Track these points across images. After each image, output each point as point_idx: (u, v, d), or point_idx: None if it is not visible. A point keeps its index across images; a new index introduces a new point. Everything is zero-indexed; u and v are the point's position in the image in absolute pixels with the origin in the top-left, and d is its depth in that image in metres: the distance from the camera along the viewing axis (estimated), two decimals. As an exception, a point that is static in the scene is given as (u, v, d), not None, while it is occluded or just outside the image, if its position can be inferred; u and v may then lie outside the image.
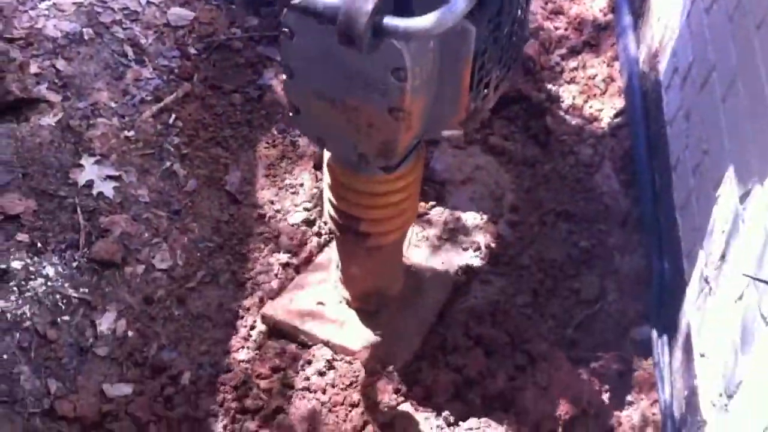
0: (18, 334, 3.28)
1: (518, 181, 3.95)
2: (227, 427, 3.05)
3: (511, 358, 3.16)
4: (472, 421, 2.93)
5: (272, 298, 3.32)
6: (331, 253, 3.29)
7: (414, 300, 3.12)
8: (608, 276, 3.50)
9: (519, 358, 3.16)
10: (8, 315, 3.28)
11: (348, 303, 3.05)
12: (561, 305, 3.46)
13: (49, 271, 3.46)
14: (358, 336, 2.98)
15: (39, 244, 3.50)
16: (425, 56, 2.08)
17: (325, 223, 3.44)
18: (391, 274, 2.99)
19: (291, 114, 2.38)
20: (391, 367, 2.92)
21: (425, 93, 2.14)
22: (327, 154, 2.64)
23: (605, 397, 3.13)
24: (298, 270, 3.41)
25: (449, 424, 2.93)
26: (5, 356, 3.22)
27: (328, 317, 3.04)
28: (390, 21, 1.89)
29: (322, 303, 3.08)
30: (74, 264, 3.52)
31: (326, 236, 3.47)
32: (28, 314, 3.32)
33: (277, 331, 3.10)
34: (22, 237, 3.50)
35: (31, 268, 3.43)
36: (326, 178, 2.66)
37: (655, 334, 3.20)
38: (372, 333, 2.99)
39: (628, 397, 3.15)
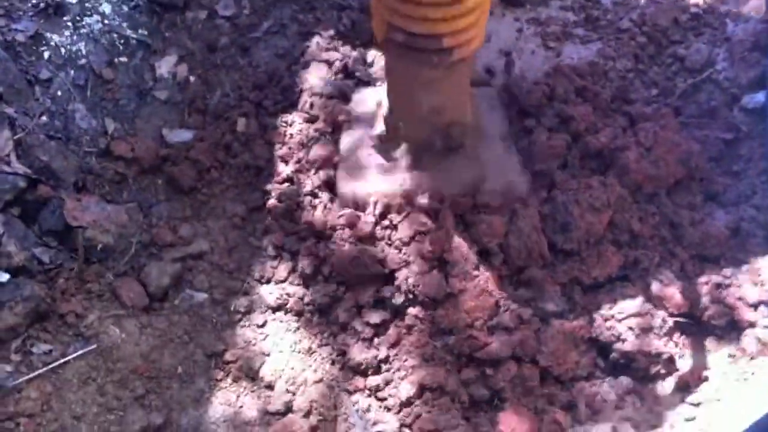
0: (72, 72, 3.06)
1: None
2: (288, 170, 2.83)
3: (612, 119, 2.85)
4: (572, 182, 2.66)
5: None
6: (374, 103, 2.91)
7: (485, 118, 2.85)
8: (719, 43, 3.13)
9: (621, 121, 2.85)
10: (62, 50, 3.05)
11: (425, 149, 2.69)
12: (664, 73, 3.12)
13: (106, 8, 3.20)
14: (460, 178, 2.65)
15: (95, -21, 3.22)
16: None
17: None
18: (466, 97, 2.64)
19: None
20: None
21: None
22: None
23: (711, 165, 2.82)
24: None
25: (548, 188, 2.70)
26: (59, 92, 3.00)
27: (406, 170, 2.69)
28: None
29: (394, 159, 2.71)
30: (132, 3, 3.24)
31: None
32: (84, 51, 3.09)
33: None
34: (76, -30, 3.21)
35: (87, 4, 3.17)
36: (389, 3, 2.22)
37: (770, 99, 2.86)
38: (477, 169, 2.68)
39: (735, 167, 2.84)
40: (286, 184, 2.80)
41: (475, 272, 2.55)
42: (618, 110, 2.90)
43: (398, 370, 2.51)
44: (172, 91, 3.13)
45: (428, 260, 2.54)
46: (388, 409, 2.51)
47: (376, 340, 2.58)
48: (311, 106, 2.94)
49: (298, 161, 2.84)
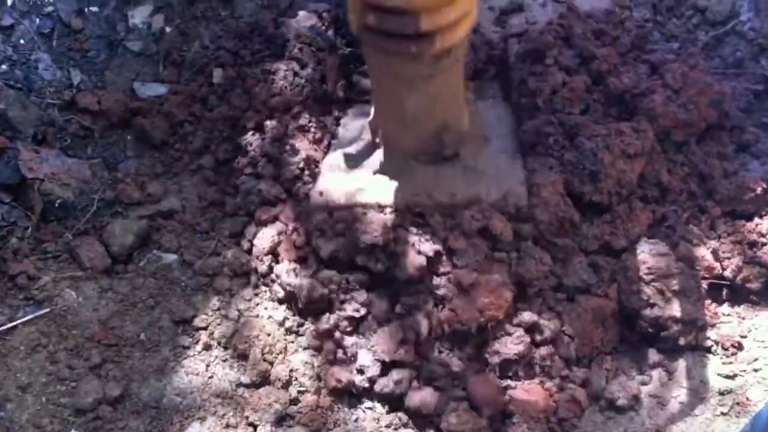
0: (38, 20, 2.80)
1: None
2: (257, 121, 2.54)
3: (633, 66, 2.56)
4: (600, 128, 2.36)
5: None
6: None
7: (490, 129, 2.48)
8: (743, -8, 2.86)
9: (642, 68, 2.56)
10: (26, -4, 2.78)
11: (415, 157, 2.34)
12: (684, 25, 2.86)
13: (76, -47, 2.92)
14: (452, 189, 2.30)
15: None
16: None
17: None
18: (459, 101, 2.31)
19: None
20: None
21: None
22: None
23: (742, 115, 2.53)
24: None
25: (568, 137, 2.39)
26: (22, 41, 2.74)
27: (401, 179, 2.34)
28: None
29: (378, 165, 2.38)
30: (105, -51, 2.97)
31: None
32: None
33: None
34: None
35: (55, -52, 2.90)
36: None
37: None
38: (472, 179, 2.32)
39: (766, 119, 2.55)
40: (256, 134, 2.51)
41: (489, 262, 2.19)
42: (638, 59, 2.61)
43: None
44: (146, 43, 2.86)
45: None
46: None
47: (361, 326, 2.25)
48: (300, 50, 2.65)
49: (275, 109, 2.54)
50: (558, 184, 2.27)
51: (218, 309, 2.30)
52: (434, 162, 2.33)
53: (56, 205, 2.42)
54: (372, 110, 2.40)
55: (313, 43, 2.72)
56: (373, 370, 2.14)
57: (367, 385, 2.16)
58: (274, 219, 2.38)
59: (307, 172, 2.42)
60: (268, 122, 2.49)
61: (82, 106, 2.66)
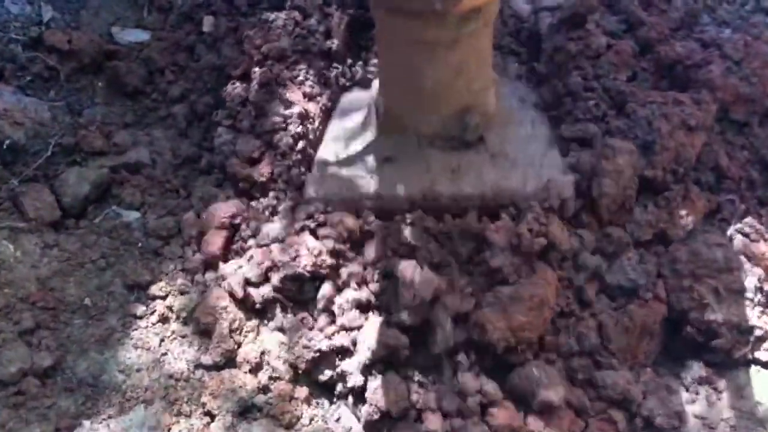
0: (10, -51, 2.45)
1: None
2: (246, 69, 2.18)
3: (684, 41, 2.23)
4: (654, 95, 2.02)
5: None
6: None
7: (516, 112, 2.14)
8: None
9: (694, 45, 2.22)
10: None
11: (431, 142, 1.99)
12: (737, 12, 2.57)
13: None
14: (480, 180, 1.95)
15: None
16: None
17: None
18: (483, 77, 1.97)
19: None
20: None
21: None
22: None
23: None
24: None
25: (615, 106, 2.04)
26: (-8, -35, 2.40)
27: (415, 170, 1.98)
28: None
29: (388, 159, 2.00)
30: None
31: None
32: (27, -71, 2.49)
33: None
34: None
35: None
36: None
37: None
38: (503, 167, 1.97)
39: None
40: (237, 83, 2.15)
41: (531, 269, 1.81)
42: (688, 37, 2.28)
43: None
44: (131, -22, 2.53)
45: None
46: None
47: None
48: (304, 0, 2.31)
49: (268, 57, 2.19)
50: (635, 154, 1.90)
51: (180, 276, 1.92)
52: (454, 148, 1.98)
53: (5, 146, 2.06)
54: (377, 86, 2.05)
55: (319, -5, 2.39)
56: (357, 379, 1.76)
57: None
58: (247, 179, 2.01)
59: (298, 129, 2.05)
60: (257, 69, 2.13)
61: (49, 44, 2.32)
